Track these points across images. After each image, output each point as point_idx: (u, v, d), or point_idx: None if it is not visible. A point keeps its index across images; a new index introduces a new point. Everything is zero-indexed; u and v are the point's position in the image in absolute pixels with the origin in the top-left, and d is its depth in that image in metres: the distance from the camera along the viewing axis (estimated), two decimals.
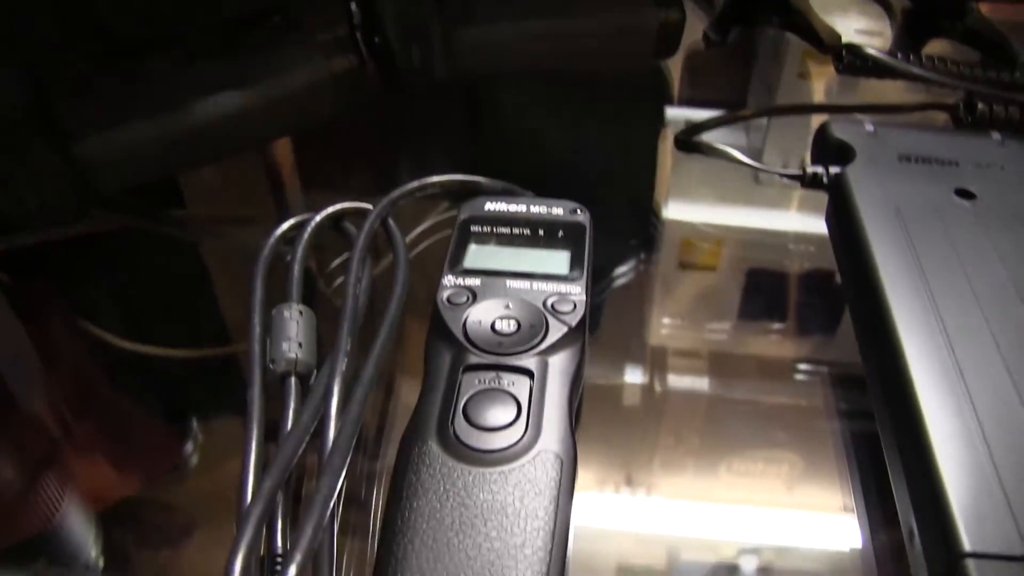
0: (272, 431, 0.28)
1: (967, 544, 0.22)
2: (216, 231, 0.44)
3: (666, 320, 0.40)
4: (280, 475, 0.24)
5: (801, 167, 0.37)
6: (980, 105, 0.42)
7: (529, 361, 0.28)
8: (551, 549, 0.23)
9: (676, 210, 0.46)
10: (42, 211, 0.37)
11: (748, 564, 0.29)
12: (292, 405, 0.28)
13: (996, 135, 0.38)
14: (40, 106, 0.35)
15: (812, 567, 0.29)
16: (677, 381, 0.36)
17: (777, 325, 0.40)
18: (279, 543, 0.24)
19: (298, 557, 0.21)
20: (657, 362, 0.37)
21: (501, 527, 0.23)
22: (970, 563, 0.21)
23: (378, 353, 0.29)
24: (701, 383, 0.36)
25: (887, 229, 0.32)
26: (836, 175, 0.36)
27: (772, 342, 0.39)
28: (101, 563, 0.30)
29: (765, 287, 0.42)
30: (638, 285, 0.42)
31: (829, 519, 0.30)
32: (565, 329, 0.29)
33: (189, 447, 0.34)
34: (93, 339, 0.38)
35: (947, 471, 0.23)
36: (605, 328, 0.37)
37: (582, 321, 0.30)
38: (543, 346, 0.28)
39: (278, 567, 0.24)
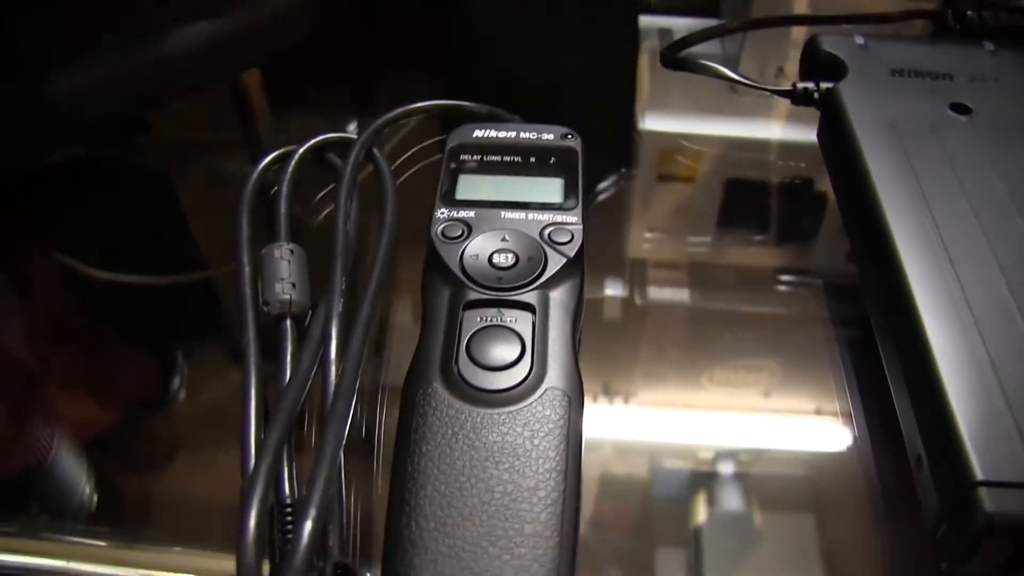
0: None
1: (979, 473, 0.22)
2: (186, 157, 0.43)
3: (646, 232, 0.39)
4: (284, 427, 0.24)
5: (792, 83, 0.36)
6: (968, 12, 0.41)
7: (530, 296, 0.27)
8: (564, 490, 0.23)
9: (654, 121, 0.46)
10: (8, 151, 0.35)
11: (728, 469, 0.29)
12: (289, 349, 0.28)
13: (989, 45, 0.37)
14: (2, 43, 0.33)
15: (802, 472, 0.30)
16: (658, 293, 0.36)
17: (757, 234, 0.40)
18: (287, 491, 0.24)
19: (312, 512, 0.21)
20: (637, 274, 0.37)
21: (513, 469, 0.23)
22: (983, 491, 0.21)
23: (373, 291, 0.28)
24: (682, 294, 0.36)
25: (884, 147, 0.32)
26: (828, 91, 0.35)
27: (752, 251, 0.39)
28: (95, 500, 0.29)
29: (744, 196, 0.41)
30: (617, 197, 0.41)
31: (817, 425, 0.31)
32: (564, 260, 0.28)
33: (171, 375, 0.34)
34: (68, 271, 0.38)
35: (955, 398, 0.23)
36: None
37: (580, 251, 0.29)
38: (543, 279, 0.28)
39: (289, 517, 0.23)
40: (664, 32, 0.50)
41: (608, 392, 0.31)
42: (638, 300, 0.36)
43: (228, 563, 0.23)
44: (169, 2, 0.35)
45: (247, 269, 0.30)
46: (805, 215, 0.40)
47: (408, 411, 0.25)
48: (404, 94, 0.38)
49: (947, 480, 0.23)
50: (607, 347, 0.33)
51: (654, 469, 0.30)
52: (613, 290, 0.36)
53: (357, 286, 0.30)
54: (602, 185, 0.41)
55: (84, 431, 0.32)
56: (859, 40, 0.37)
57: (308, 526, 0.21)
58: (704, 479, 0.29)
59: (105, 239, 0.39)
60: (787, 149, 0.44)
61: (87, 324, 0.37)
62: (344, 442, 0.24)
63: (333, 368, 0.26)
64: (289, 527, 0.23)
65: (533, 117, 0.36)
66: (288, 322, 0.28)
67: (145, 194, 0.41)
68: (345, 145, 0.35)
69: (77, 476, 0.30)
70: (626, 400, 0.31)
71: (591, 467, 0.29)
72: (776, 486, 0.29)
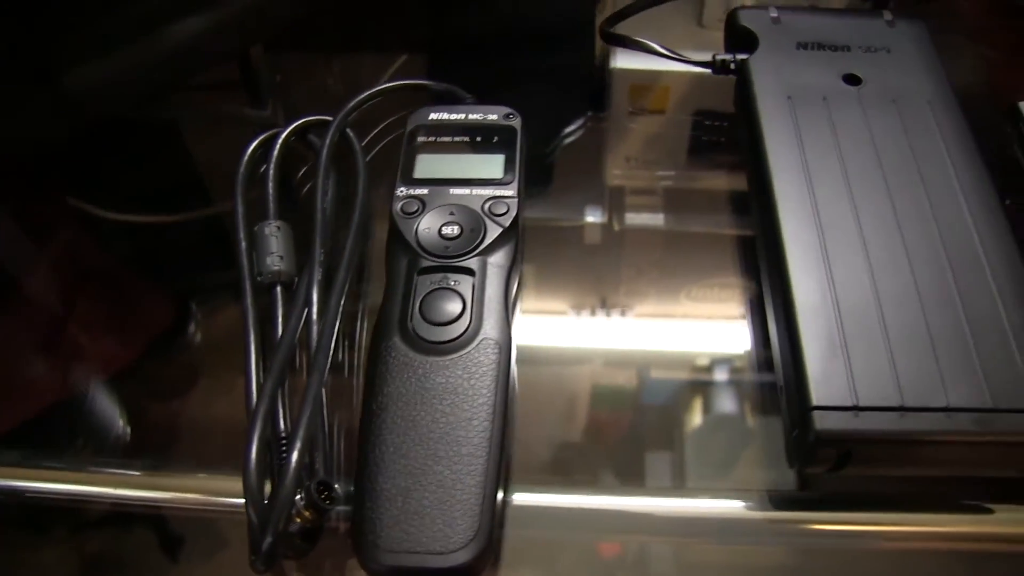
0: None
1: (815, 399, 0.28)
2: (187, 100, 0.48)
3: (621, 162, 0.45)
4: (277, 376, 0.30)
5: (712, 55, 0.41)
6: None
7: (471, 261, 0.33)
8: (493, 419, 0.29)
9: (623, 58, 0.50)
10: (34, 142, 0.41)
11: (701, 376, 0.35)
12: (280, 311, 0.34)
13: (887, 15, 0.41)
14: (23, 42, 0.38)
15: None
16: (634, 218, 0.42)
17: (724, 160, 0.45)
18: (282, 427, 0.31)
19: (298, 443, 0.27)
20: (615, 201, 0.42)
21: (454, 404, 0.30)
22: (816, 414, 0.28)
23: (347, 260, 0.34)
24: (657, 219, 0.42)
25: (779, 117, 0.37)
26: (740, 62, 0.40)
27: (720, 176, 0.44)
28: (129, 430, 0.35)
29: (710, 125, 0.46)
30: (592, 134, 0.46)
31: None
32: (500, 230, 0.34)
33: (182, 308, 0.39)
34: (83, 214, 0.43)
35: (807, 343, 0.30)
36: (562, 173, 0.43)
37: (515, 220, 0.35)
38: (482, 247, 0.34)
39: (284, 447, 0.30)
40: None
41: (591, 309, 0.37)
42: (616, 226, 0.42)
43: (238, 484, 0.30)
44: None
45: (244, 244, 0.36)
46: None
47: (373, 362, 0.31)
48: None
49: (794, 404, 0.29)
50: (591, 268, 0.39)
51: (641, 378, 0.36)
52: (593, 217, 0.42)
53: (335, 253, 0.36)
54: (576, 125, 0.46)
55: (109, 365, 0.37)
56: (773, 13, 0.42)
57: (295, 455, 0.27)
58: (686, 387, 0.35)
59: (114, 182, 0.44)
60: None
61: (105, 264, 0.42)
62: (324, 386, 0.30)
63: (315, 327, 0.32)
64: (284, 455, 0.29)
65: (509, 68, 0.43)
66: (278, 289, 0.34)
67: (150, 136, 0.46)
68: (325, 126, 0.40)
69: (113, 410, 0.36)
70: (608, 314, 0.37)
71: (581, 378, 0.35)
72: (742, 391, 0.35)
